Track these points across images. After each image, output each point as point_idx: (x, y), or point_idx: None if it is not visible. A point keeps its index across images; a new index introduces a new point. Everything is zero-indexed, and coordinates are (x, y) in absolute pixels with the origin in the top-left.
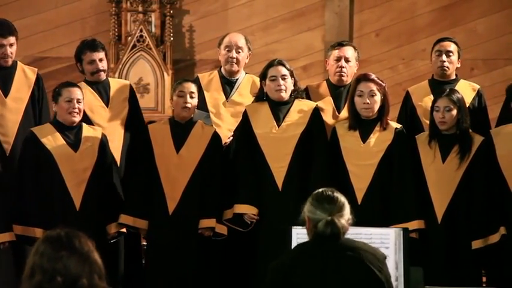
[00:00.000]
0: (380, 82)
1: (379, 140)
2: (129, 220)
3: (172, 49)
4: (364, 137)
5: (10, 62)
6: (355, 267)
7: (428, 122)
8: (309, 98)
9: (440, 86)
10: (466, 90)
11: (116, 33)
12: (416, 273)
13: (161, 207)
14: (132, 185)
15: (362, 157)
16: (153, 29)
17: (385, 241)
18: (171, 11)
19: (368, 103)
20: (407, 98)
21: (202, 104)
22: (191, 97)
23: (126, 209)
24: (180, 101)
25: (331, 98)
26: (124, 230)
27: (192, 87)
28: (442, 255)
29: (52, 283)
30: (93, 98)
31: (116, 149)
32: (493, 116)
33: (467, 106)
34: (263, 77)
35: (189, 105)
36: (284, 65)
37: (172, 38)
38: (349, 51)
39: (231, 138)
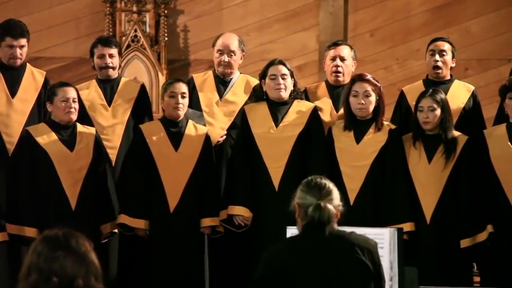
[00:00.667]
0: (375, 82)
1: (373, 141)
2: (128, 220)
3: (167, 49)
4: (359, 138)
5: (19, 63)
6: (346, 256)
7: None
8: (307, 99)
9: (435, 86)
10: (461, 90)
11: (110, 33)
12: (411, 273)
13: (162, 205)
14: (130, 185)
15: (355, 158)
16: (148, 29)
17: (380, 241)
18: (166, 11)
19: (363, 103)
20: (402, 98)
21: (196, 104)
22: (182, 97)
23: (125, 209)
24: (172, 101)
25: (329, 98)
26: (116, 230)
27: (183, 88)
28: (432, 255)
29: (48, 283)
30: (97, 96)
31: (113, 148)
32: (487, 116)
33: (462, 107)
34: (263, 76)
35: (180, 105)
36: (285, 65)
37: (166, 38)
38: (344, 50)
39: (224, 137)
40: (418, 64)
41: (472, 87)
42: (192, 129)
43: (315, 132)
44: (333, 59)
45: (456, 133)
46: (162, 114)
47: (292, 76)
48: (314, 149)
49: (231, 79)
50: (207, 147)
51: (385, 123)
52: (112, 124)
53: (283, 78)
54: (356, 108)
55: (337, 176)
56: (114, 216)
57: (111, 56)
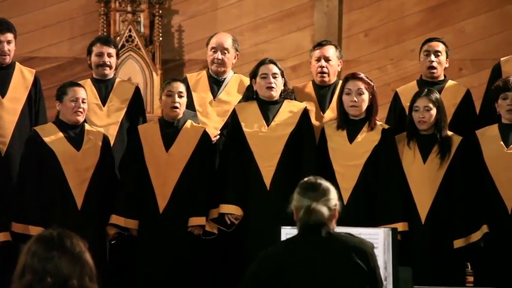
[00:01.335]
0: (368, 81)
1: (366, 140)
2: (121, 221)
3: (161, 49)
4: (352, 137)
5: (8, 60)
6: (342, 258)
7: None
8: (295, 99)
9: (429, 86)
10: (455, 90)
11: (105, 33)
12: (405, 273)
13: (152, 205)
14: (122, 185)
15: (348, 157)
16: (142, 29)
17: (374, 241)
18: (160, 11)
19: (355, 101)
20: (396, 98)
21: (190, 104)
22: (180, 96)
23: (117, 210)
24: (169, 100)
25: (315, 98)
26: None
27: (181, 87)
28: (427, 255)
29: (42, 283)
30: (91, 96)
31: None
32: None
33: (455, 107)
34: (253, 75)
35: (177, 104)
36: (275, 64)
37: (161, 38)
38: (329, 51)
39: (218, 137)
40: (412, 64)
41: (466, 88)
42: (188, 129)
43: (305, 133)
44: (318, 59)
45: (450, 133)
46: (155, 114)
47: (282, 76)
48: (305, 151)
49: (225, 79)
50: (202, 145)
51: (378, 123)
52: (106, 124)
53: (274, 77)
54: (349, 106)
55: (330, 175)
56: None
57: (109, 55)
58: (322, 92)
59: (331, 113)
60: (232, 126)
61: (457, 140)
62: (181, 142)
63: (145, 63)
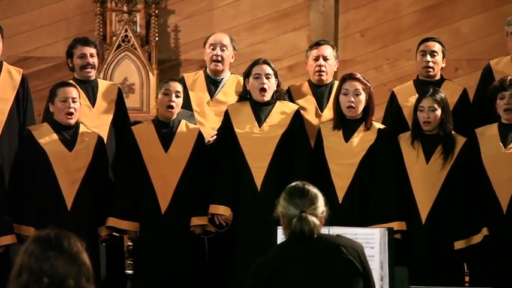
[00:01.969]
0: (365, 82)
1: (362, 140)
2: (120, 223)
3: (158, 49)
4: (347, 137)
5: None
6: (333, 257)
7: None
8: (291, 98)
9: (425, 86)
10: (451, 90)
11: (101, 33)
12: (401, 273)
13: (153, 207)
14: (120, 187)
15: (344, 156)
16: (138, 29)
17: (371, 241)
18: (156, 11)
19: (352, 101)
20: (393, 98)
21: (187, 104)
22: (176, 96)
23: (115, 212)
24: (165, 99)
25: (313, 97)
26: (116, 233)
27: (178, 87)
28: (425, 255)
29: (38, 283)
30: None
31: None
32: None
33: (452, 106)
34: (247, 75)
35: (173, 104)
36: (269, 64)
37: (157, 38)
38: (327, 50)
39: (215, 137)
40: (408, 64)
41: (462, 87)
42: (183, 129)
43: (298, 134)
44: (316, 58)
45: (455, 134)
46: (151, 114)
47: (276, 76)
48: (297, 152)
49: (222, 79)
50: (199, 146)
51: (374, 123)
52: (97, 125)
53: (267, 78)
54: (346, 107)
55: (325, 174)
56: None
57: (91, 55)
58: (319, 91)
59: (329, 111)
60: (225, 126)
61: (461, 141)
62: (179, 142)
63: (141, 63)
